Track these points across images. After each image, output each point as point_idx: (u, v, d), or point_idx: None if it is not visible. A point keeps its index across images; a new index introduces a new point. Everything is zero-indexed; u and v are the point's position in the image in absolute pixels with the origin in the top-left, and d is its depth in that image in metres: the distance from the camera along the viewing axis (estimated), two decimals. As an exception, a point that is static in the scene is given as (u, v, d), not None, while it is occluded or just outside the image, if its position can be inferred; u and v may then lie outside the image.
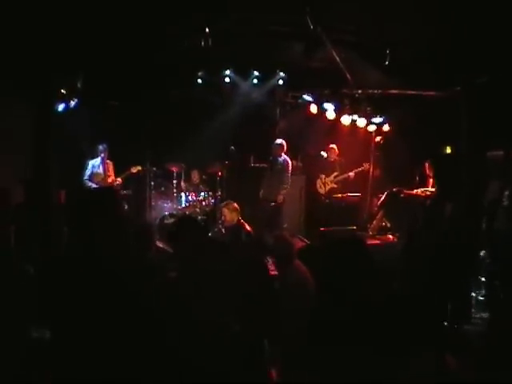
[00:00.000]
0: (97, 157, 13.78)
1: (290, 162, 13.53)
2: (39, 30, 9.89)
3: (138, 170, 14.02)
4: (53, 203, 11.52)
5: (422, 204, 11.14)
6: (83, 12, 9.82)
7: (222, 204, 11.07)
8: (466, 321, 8.49)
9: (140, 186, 14.64)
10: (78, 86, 12.73)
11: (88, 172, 13.74)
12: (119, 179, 13.83)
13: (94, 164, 13.77)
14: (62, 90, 12.53)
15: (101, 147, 13.69)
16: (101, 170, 13.75)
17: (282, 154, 13.51)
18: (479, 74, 11.14)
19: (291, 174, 13.52)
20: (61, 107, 12.72)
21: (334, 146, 14.54)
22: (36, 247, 9.10)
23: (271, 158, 13.63)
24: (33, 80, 10.76)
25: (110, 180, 13.79)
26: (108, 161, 13.86)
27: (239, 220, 10.53)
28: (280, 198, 13.31)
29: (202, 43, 11.40)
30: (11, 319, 5.20)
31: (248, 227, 10.52)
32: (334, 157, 14.55)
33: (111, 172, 13.92)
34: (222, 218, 10.86)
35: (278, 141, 13.58)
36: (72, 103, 13.09)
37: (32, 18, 9.62)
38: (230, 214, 10.45)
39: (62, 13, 9.62)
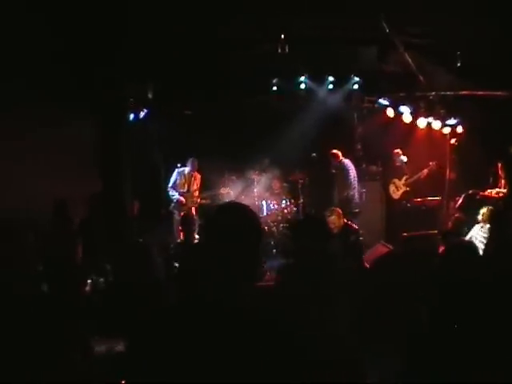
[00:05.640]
0: (184, 168, 13.83)
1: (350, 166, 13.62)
2: (109, 39, 10.03)
3: (228, 193, 14.09)
4: (127, 215, 11.56)
5: (495, 205, 11.00)
6: (155, 21, 9.97)
7: (327, 213, 10.39)
8: None
9: (218, 194, 14.41)
10: (149, 96, 12.84)
11: (172, 180, 13.83)
12: (201, 198, 13.93)
13: (180, 173, 13.83)
14: (132, 100, 12.58)
15: (190, 160, 13.71)
16: (185, 182, 13.80)
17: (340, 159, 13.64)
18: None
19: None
20: (130, 118, 12.80)
21: (398, 150, 14.48)
22: (104, 260, 9.07)
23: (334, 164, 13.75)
24: (102, 91, 10.82)
25: (195, 193, 13.86)
26: (196, 173, 13.90)
27: (345, 222, 10.25)
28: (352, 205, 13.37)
29: (279, 50, 11.44)
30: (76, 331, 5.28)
31: (355, 225, 10.49)
32: (400, 160, 14.52)
33: (197, 185, 13.95)
34: (332, 226, 10.02)
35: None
36: (142, 114, 13.26)
37: (102, 27, 9.74)
38: (339, 220, 9.98)
39: (133, 22, 9.79)
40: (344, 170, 13.59)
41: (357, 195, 13.66)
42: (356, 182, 13.66)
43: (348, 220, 10.67)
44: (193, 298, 2.92)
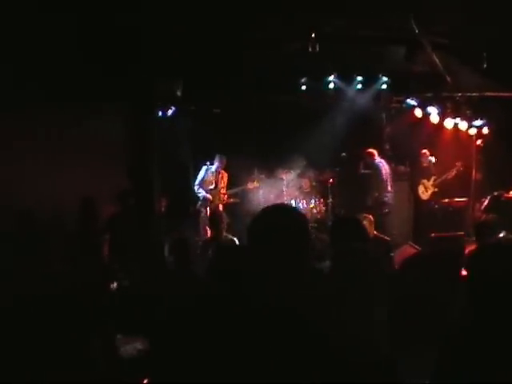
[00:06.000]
0: (211, 165, 13.89)
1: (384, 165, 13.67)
2: (139, 36, 10.02)
3: (255, 187, 14.13)
4: (155, 213, 11.48)
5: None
6: (185, 19, 9.95)
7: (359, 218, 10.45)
8: None
9: (247, 193, 14.51)
10: (178, 93, 12.78)
11: (200, 177, 13.92)
12: (227, 195, 13.97)
13: (208, 171, 13.90)
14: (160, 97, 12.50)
15: (218, 157, 13.77)
16: (213, 179, 13.85)
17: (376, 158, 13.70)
18: None
19: (399, 180, 13.55)
20: (159, 115, 12.84)
21: (425, 150, 14.49)
22: (131, 258, 9.14)
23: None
24: (132, 88, 10.77)
25: (222, 191, 13.90)
26: (223, 171, 13.94)
27: (375, 234, 9.76)
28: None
29: (310, 48, 11.44)
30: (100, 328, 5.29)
31: (386, 237, 10.10)
32: (428, 161, 14.52)
33: (224, 183, 13.98)
34: None
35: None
36: (169, 111, 13.38)
37: (132, 24, 9.77)
38: (370, 227, 9.47)
39: (163, 20, 9.76)
40: (377, 169, 13.69)
41: (389, 196, 13.69)
42: (389, 182, 13.71)
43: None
44: (235, 297, 2.88)
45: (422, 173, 14.58)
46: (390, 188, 13.69)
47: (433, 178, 14.38)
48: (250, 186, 14.05)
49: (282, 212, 3.05)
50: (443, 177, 14.26)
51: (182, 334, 2.92)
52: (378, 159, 13.81)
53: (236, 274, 3.00)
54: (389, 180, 13.70)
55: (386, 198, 13.56)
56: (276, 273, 2.84)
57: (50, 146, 11.47)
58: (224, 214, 10.58)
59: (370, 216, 10.07)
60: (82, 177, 11.03)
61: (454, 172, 14.10)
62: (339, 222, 6.14)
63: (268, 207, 3.25)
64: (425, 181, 14.47)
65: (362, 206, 13.23)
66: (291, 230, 2.92)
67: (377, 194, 13.56)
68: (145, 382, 4.65)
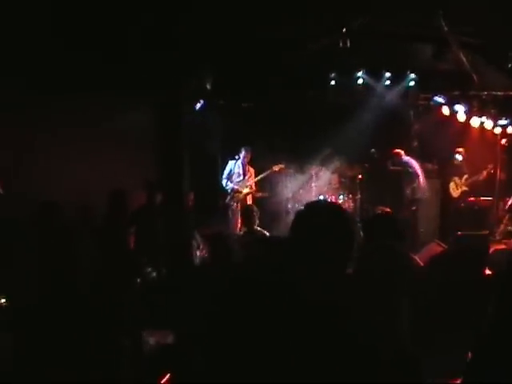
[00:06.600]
0: (238, 158, 13.98)
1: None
2: (170, 30, 10.05)
3: (281, 169, 14.10)
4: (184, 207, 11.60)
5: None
6: (215, 11, 10.00)
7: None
8: None
9: (276, 187, 14.66)
10: (208, 87, 12.89)
11: (227, 171, 14.03)
12: (255, 184, 14.05)
13: (234, 164, 14.01)
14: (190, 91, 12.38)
15: (243, 149, 13.85)
16: (240, 171, 13.96)
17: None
18: None
19: (426, 178, 13.68)
20: (189, 108, 12.59)
21: (461, 149, 14.50)
22: (157, 251, 9.24)
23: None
24: (161, 80, 10.77)
25: (247, 183, 13.99)
26: (249, 166, 14.03)
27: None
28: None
29: (341, 44, 11.52)
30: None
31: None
32: (462, 159, 14.53)
33: (251, 176, 14.06)
34: None
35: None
36: (198, 105, 13.39)
37: (163, 17, 9.55)
38: None
39: (192, 12, 9.69)
40: (406, 165, 13.77)
41: (422, 192, 13.77)
42: (421, 177, 13.77)
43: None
44: (278, 291, 2.88)
45: (454, 170, 14.63)
46: (422, 183, 13.75)
47: (465, 177, 14.45)
48: (276, 168, 14.03)
49: (330, 212, 3.01)
50: (475, 177, 14.32)
51: (227, 325, 2.97)
52: (405, 157, 13.87)
53: (281, 268, 3.04)
54: (421, 175, 13.75)
55: (420, 195, 13.66)
56: (317, 271, 2.86)
57: (80, 138, 11.65)
58: (256, 208, 10.61)
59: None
60: (112, 169, 11.23)
61: (485, 173, 14.16)
62: (374, 219, 6.20)
63: (314, 204, 3.26)
64: (456, 178, 14.53)
65: (391, 203, 13.34)
66: (339, 232, 2.91)
67: (409, 192, 13.63)
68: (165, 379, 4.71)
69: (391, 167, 14.31)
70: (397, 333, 4.26)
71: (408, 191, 13.72)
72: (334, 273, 2.89)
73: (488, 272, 8.54)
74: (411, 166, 13.73)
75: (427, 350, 4.78)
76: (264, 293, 2.94)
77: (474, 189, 14.41)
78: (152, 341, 5.96)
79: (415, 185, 13.65)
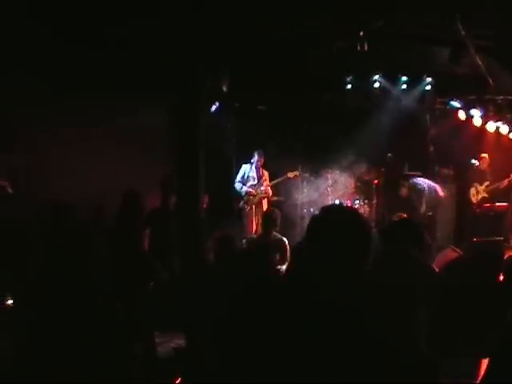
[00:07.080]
0: (252, 161, 13.92)
1: None
2: (188, 31, 9.98)
3: (295, 176, 14.08)
4: (199, 209, 11.26)
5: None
6: (231, 14, 9.94)
7: None
8: None
9: (291, 191, 14.61)
10: (224, 89, 12.77)
11: (240, 174, 13.97)
12: (269, 189, 13.93)
13: (248, 167, 13.95)
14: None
15: (256, 153, 13.79)
16: (254, 175, 13.90)
17: None
18: None
19: (442, 183, 13.65)
20: (204, 110, 12.40)
21: (485, 154, 14.32)
22: (171, 253, 9.22)
23: None
24: (177, 82, 10.55)
25: (262, 187, 13.90)
26: (263, 169, 13.95)
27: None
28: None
29: (358, 47, 11.46)
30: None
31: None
32: (485, 166, 14.36)
33: (266, 180, 13.97)
34: None
35: None
36: (213, 107, 13.32)
37: (180, 20, 9.75)
38: None
39: (209, 13, 9.69)
40: (415, 185, 13.62)
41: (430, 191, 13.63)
42: (426, 186, 13.62)
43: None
44: (297, 293, 2.88)
45: (473, 176, 14.51)
46: (429, 190, 13.59)
47: (486, 183, 14.31)
48: (290, 175, 14.00)
49: (346, 217, 3.00)
50: (495, 185, 14.15)
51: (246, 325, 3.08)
52: (412, 180, 13.75)
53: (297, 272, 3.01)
54: (428, 185, 13.61)
55: (433, 202, 13.58)
56: (332, 275, 2.85)
57: (97, 138, 11.62)
58: (279, 213, 10.51)
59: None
60: (127, 170, 11.14)
61: (506, 182, 13.99)
62: (395, 224, 6.15)
63: (329, 208, 3.21)
64: (477, 184, 14.39)
65: (407, 208, 13.18)
66: (355, 237, 2.90)
67: (422, 208, 13.48)
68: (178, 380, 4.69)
69: (403, 194, 14.04)
70: (413, 337, 4.22)
71: (421, 208, 13.56)
72: (349, 277, 2.87)
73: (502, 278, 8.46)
74: (418, 183, 13.60)
75: (443, 354, 4.75)
76: (279, 295, 2.97)
77: (493, 196, 14.26)
78: (174, 344, 5.94)
79: (423, 198, 13.48)
